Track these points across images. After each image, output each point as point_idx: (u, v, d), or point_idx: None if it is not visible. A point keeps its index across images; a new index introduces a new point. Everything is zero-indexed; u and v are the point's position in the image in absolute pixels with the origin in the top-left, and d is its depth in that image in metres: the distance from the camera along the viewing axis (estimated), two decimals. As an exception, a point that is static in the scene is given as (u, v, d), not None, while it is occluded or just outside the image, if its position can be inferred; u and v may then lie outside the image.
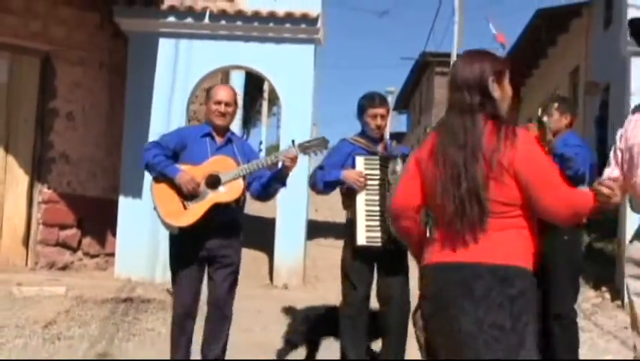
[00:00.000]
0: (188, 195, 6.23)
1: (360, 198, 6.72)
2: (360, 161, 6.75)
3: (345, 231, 6.90)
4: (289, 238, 11.89)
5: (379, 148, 6.85)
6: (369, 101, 6.87)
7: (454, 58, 21.82)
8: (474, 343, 3.58)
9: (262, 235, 11.89)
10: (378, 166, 6.74)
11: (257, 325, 9.10)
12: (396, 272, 6.69)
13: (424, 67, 33.55)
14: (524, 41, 23.29)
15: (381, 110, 6.84)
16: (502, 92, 3.84)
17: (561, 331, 6.79)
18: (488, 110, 3.77)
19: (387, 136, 7.54)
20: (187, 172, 6.23)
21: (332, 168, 6.84)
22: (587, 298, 10.95)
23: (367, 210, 6.72)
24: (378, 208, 6.69)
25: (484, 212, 3.64)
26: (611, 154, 4.90)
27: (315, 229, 12.08)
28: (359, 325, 6.78)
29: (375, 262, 6.77)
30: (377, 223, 6.68)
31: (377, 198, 6.70)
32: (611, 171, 4.79)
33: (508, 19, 66.99)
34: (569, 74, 22.31)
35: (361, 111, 6.87)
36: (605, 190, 3.88)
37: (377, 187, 6.70)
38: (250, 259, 10.93)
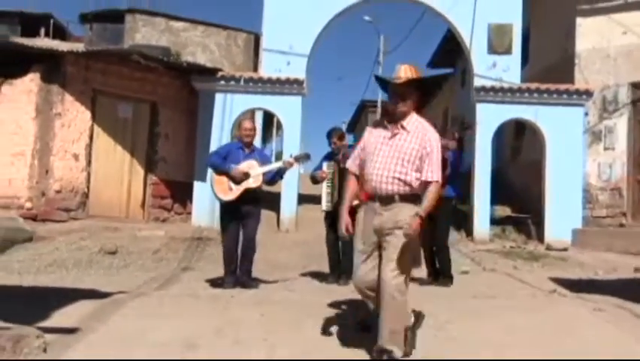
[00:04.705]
0: (235, 182, 6.36)
1: (324, 185, 6.93)
2: (324, 165, 6.98)
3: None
4: (288, 203, 11.88)
5: (340, 156, 6.95)
6: (332, 132, 7.12)
7: (379, 103, 21.83)
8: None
9: (274, 202, 11.92)
10: (332, 168, 6.92)
11: (270, 251, 9.19)
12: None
13: (363, 108, 33.41)
14: (418, 94, 23.26)
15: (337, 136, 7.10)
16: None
17: (438, 254, 7.06)
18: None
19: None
20: (237, 168, 6.37)
21: (315, 170, 7.09)
22: (454, 236, 11.03)
23: (327, 192, 6.93)
24: (330, 190, 6.89)
25: None
26: (354, 152, 3.98)
27: (303, 199, 12.11)
28: (334, 252, 7.02)
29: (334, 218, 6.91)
30: (329, 198, 6.88)
31: (330, 184, 6.90)
32: (351, 164, 3.98)
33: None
34: (442, 111, 22.39)
35: (329, 137, 7.09)
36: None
37: (331, 179, 6.90)
38: (267, 215, 10.95)
